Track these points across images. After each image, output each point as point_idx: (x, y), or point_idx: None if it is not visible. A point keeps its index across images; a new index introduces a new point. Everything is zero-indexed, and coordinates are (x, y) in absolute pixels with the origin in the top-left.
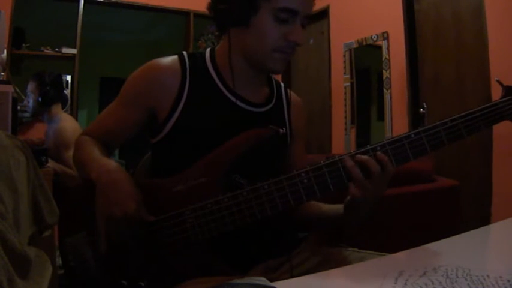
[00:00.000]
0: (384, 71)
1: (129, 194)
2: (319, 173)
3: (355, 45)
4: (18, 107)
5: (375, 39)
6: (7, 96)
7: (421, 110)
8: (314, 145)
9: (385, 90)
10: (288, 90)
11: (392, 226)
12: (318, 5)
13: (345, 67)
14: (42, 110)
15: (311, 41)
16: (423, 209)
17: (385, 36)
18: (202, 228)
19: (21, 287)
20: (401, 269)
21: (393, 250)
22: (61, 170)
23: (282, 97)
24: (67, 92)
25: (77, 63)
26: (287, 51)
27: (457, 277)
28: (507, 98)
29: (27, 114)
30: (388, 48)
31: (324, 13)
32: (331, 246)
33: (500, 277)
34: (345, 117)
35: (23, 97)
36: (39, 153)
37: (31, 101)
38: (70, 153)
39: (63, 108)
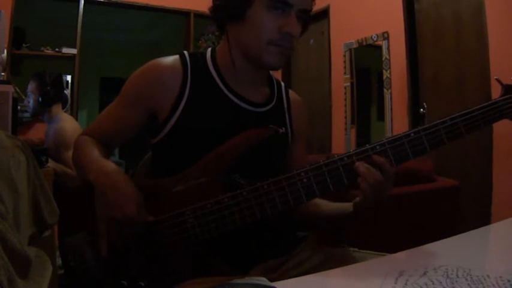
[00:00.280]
0: (384, 71)
1: (128, 196)
2: (318, 172)
3: (355, 45)
4: (19, 107)
5: (375, 39)
6: (7, 96)
7: (421, 110)
8: (314, 145)
9: (385, 90)
10: (288, 90)
11: (392, 226)
12: (318, 5)
13: (345, 67)
14: (42, 110)
15: (311, 41)
16: (423, 209)
17: (385, 36)
18: (202, 228)
19: (21, 287)
20: (402, 269)
21: (393, 250)
22: (61, 170)
23: (282, 97)
24: (67, 92)
25: (77, 63)
26: (283, 45)
27: (458, 277)
28: (506, 96)
29: (27, 114)
30: (388, 48)
31: (324, 13)
32: (331, 246)
33: (501, 277)
34: (345, 117)
35: (23, 97)
36: (39, 153)
37: (31, 101)
38: (70, 153)
39: (63, 108)
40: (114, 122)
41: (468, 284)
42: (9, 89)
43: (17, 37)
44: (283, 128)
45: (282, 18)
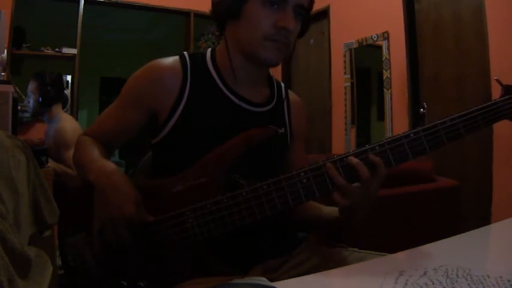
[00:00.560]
0: (384, 71)
1: (127, 196)
2: (318, 172)
3: (355, 45)
4: (19, 107)
5: (375, 39)
6: (7, 96)
7: (421, 110)
8: (314, 145)
9: (385, 90)
10: (288, 91)
11: (392, 226)
12: (318, 5)
13: (345, 67)
14: (42, 110)
15: (311, 41)
16: (423, 209)
17: (386, 36)
18: (202, 228)
19: (21, 286)
20: (402, 269)
21: (393, 250)
22: (61, 170)
23: (282, 97)
24: (67, 92)
25: (77, 63)
26: (279, 40)
27: (458, 277)
28: (506, 97)
29: (27, 114)
30: (388, 48)
31: (324, 13)
32: (331, 246)
33: (501, 277)
34: (345, 117)
35: (24, 97)
36: (39, 153)
37: (31, 101)
38: (70, 153)
39: (63, 108)
40: (114, 122)
41: (468, 284)
42: (9, 89)
43: (17, 37)
44: (283, 128)
45: (277, 14)
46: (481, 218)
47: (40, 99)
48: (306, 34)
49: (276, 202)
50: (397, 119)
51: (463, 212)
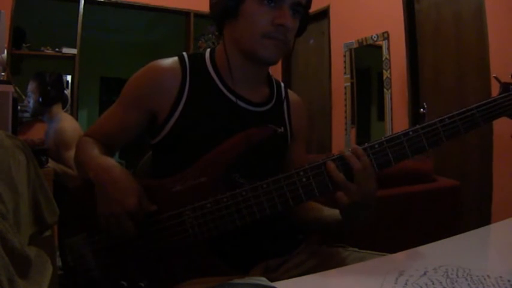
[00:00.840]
0: (384, 71)
1: (128, 190)
2: (317, 172)
3: (355, 45)
4: (19, 107)
5: (375, 39)
6: (7, 96)
7: (422, 110)
8: (314, 145)
9: (385, 90)
10: (288, 90)
11: (393, 226)
12: (318, 5)
13: (345, 67)
14: (42, 110)
15: (311, 41)
16: (423, 209)
17: (386, 36)
18: (201, 228)
19: (21, 286)
20: (402, 269)
21: (393, 250)
22: (61, 170)
23: (282, 97)
24: (67, 92)
25: (77, 63)
26: (277, 37)
27: (458, 277)
28: (504, 94)
29: (27, 114)
30: (388, 48)
31: (324, 13)
32: (331, 246)
33: (501, 277)
34: (345, 117)
35: (24, 97)
36: (39, 153)
37: (32, 101)
38: (70, 153)
39: (63, 108)
40: (114, 123)
41: (468, 284)
42: (9, 89)
43: (17, 37)
44: (282, 128)
45: (275, 11)
46: (481, 218)
47: (40, 99)
48: (305, 33)
49: (275, 201)
50: (397, 119)
51: (463, 212)
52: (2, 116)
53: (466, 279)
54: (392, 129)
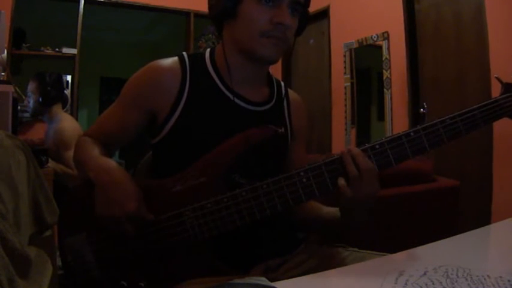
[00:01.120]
0: (384, 71)
1: (128, 193)
2: (318, 172)
3: (355, 45)
4: (19, 107)
5: (375, 39)
6: (7, 96)
7: (422, 110)
8: (314, 145)
9: (385, 90)
10: (288, 89)
11: (392, 226)
12: (318, 5)
13: (345, 67)
14: (42, 110)
15: (311, 41)
16: (423, 209)
17: (386, 36)
18: (201, 228)
19: (21, 286)
20: (402, 269)
21: (393, 250)
22: (61, 170)
23: (282, 96)
24: (67, 92)
25: (77, 63)
26: (275, 35)
27: (458, 277)
28: (506, 94)
29: (27, 114)
30: (388, 48)
31: (324, 13)
32: (331, 246)
33: (501, 277)
34: (345, 117)
35: (23, 97)
36: (39, 153)
37: (31, 101)
38: (70, 153)
39: (63, 108)
40: (114, 123)
41: (468, 284)
42: (9, 89)
43: (17, 37)
44: (283, 128)
45: (273, 10)
46: (481, 218)
47: (40, 99)
48: (304, 32)
49: (276, 202)
50: (397, 119)
51: (463, 212)
52: (2, 116)
53: (466, 279)
54: (392, 129)
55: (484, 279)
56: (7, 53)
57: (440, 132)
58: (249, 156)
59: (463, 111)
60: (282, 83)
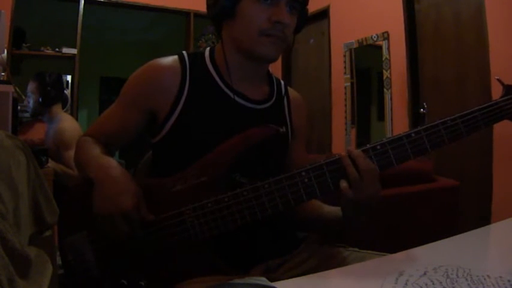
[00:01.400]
0: (384, 71)
1: (126, 189)
2: (319, 172)
3: (355, 45)
4: (19, 107)
5: (375, 39)
6: (7, 96)
7: (422, 110)
8: (314, 145)
9: (385, 90)
10: (288, 88)
11: (392, 226)
12: (318, 5)
13: (345, 67)
14: (42, 110)
15: (311, 41)
16: (423, 209)
17: (386, 36)
18: (202, 227)
19: (21, 286)
20: (402, 269)
21: (393, 250)
22: (61, 170)
23: (282, 94)
24: (67, 92)
25: (77, 63)
26: (274, 34)
27: (458, 277)
28: (507, 97)
29: (27, 114)
30: (388, 48)
31: (324, 13)
32: (331, 246)
33: (501, 277)
34: (345, 117)
35: (23, 97)
36: (39, 153)
37: (31, 101)
38: (70, 153)
39: (63, 108)
40: (114, 123)
41: (468, 284)
42: (9, 89)
43: (17, 37)
44: (284, 127)
45: (271, 9)
46: (481, 218)
47: (40, 99)
48: (304, 32)
49: (277, 201)
50: (397, 119)
51: (463, 212)
52: (2, 116)
53: (466, 279)
54: (392, 129)
55: (484, 279)
56: (7, 53)
57: (441, 133)
58: (249, 155)
59: (464, 112)
60: (282, 82)
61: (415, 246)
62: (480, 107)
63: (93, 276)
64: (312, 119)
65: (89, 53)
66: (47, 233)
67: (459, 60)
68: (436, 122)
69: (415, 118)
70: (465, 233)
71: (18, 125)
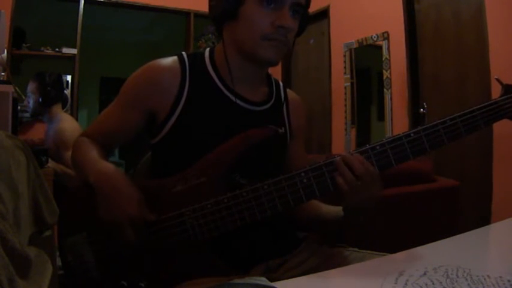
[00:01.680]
0: (384, 71)
1: (130, 197)
2: (318, 172)
3: (355, 45)
4: (19, 107)
5: (375, 39)
6: (7, 97)
7: (421, 110)
8: (314, 145)
9: (385, 90)
10: (287, 89)
11: (393, 226)
12: (318, 5)
13: (345, 67)
14: (42, 110)
15: (311, 41)
16: (423, 209)
17: (386, 36)
18: (202, 228)
19: (21, 286)
20: (402, 269)
21: (393, 250)
22: (61, 170)
23: (281, 96)
24: (67, 92)
25: (77, 63)
26: (277, 38)
27: (458, 277)
28: (506, 96)
29: (27, 114)
30: (388, 48)
31: (324, 13)
32: (331, 246)
33: (501, 277)
34: (345, 117)
35: (23, 97)
36: (39, 153)
37: (31, 101)
38: (70, 153)
39: (63, 108)
40: (113, 122)
41: (468, 284)
42: (9, 89)
43: (17, 37)
44: (283, 128)
45: (275, 13)
46: (481, 218)
47: (40, 99)
48: (305, 33)
49: (276, 202)
50: (397, 119)
51: (463, 212)
52: (2, 116)
53: (466, 279)
54: (392, 129)
55: (484, 279)
56: (7, 53)
57: (440, 133)
58: (249, 156)
59: (463, 112)
60: (281, 83)
61: (415, 246)
62: (479, 106)
63: (93, 277)
64: (311, 119)
65: (89, 53)
66: (47, 233)
67: (459, 60)
68: (435, 122)
69: (415, 118)
70: (465, 233)
71: (18, 125)
